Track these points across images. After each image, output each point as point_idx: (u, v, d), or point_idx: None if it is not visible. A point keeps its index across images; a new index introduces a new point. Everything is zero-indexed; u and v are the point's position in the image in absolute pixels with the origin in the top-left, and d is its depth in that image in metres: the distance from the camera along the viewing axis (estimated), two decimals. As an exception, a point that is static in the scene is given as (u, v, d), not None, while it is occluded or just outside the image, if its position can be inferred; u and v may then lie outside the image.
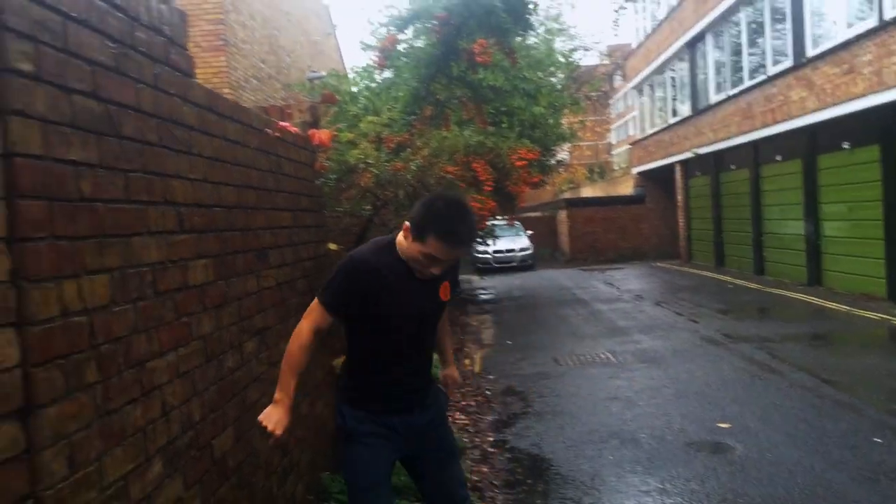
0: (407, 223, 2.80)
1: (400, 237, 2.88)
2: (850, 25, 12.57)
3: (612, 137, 68.91)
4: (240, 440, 3.16)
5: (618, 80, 56.27)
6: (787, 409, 6.42)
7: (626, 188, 33.94)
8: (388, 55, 5.45)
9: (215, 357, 2.92)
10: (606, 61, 34.19)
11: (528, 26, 4.81)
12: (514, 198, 8.09)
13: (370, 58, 16.19)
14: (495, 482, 5.19)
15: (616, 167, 61.62)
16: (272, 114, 4.50)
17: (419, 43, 5.22)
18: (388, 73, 14.47)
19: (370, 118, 5.41)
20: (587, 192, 42.09)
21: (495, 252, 23.98)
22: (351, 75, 16.85)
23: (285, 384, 2.84)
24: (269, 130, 3.78)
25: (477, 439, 6.20)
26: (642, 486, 4.89)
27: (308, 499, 4.20)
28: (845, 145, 13.30)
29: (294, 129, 4.15)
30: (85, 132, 2.01)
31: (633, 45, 29.00)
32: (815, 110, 13.46)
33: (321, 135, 4.56)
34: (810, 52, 13.89)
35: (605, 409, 6.85)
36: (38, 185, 1.78)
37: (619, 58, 47.40)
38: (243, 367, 3.25)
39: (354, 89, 12.96)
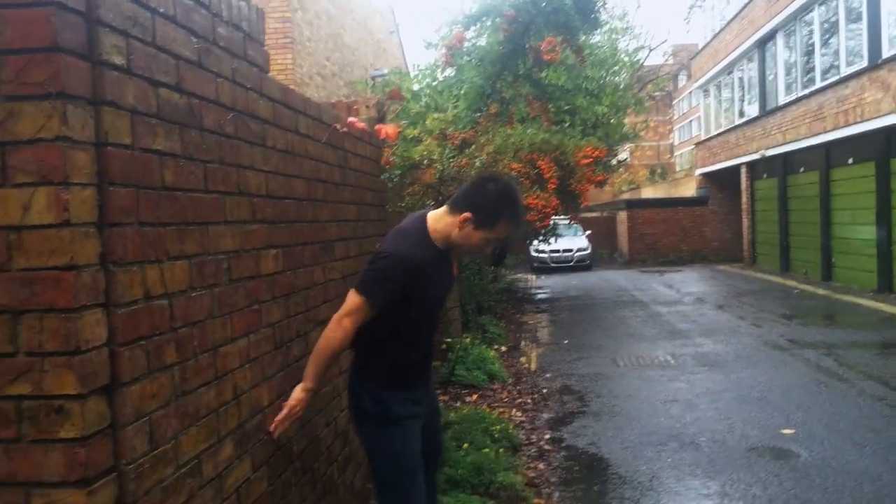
0: (468, 213, 2.84)
1: (443, 223, 2.92)
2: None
3: (675, 138, 67.73)
4: (303, 427, 3.23)
5: (682, 81, 55.44)
6: (855, 417, 6.24)
7: (688, 190, 33.34)
8: (454, 52, 5.49)
9: (283, 345, 3.00)
10: (671, 61, 33.67)
11: (596, 24, 4.79)
12: (577, 196, 8.04)
13: (435, 56, 16.27)
14: (552, 479, 5.19)
15: (678, 168, 60.61)
16: (339, 109, 4.59)
17: (483, 41, 5.23)
18: (450, 72, 14.54)
19: (436, 115, 5.46)
20: (647, 192, 41.48)
21: (552, 252, 23.84)
22: (413, 73, 16.98)
23: (321, 374, 2.89)
24: (337, 125, 3.85)
25: (533, 436, 6.20)
26: (702, 490, 4.82)
27: (367, 487, 4.27)
28: (922, 148, 12.82)
29: (361, 125, 4.22)
30: (169, 123, 2.10)
31: (700, 45, 28.47)
32: (890, 112, 13.00)
33: (387, 129, 4.62)
34: (886, 52, 13.43)
35: (665, 411, 6.77)
36: (126, 173, 1.87)
37: (685, 57, 46.57)
38: (307, 356, 3.32)
39: (416, 87, 13.06)
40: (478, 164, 4.86)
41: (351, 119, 4.15)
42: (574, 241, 24.59)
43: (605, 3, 4.69)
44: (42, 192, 1.65)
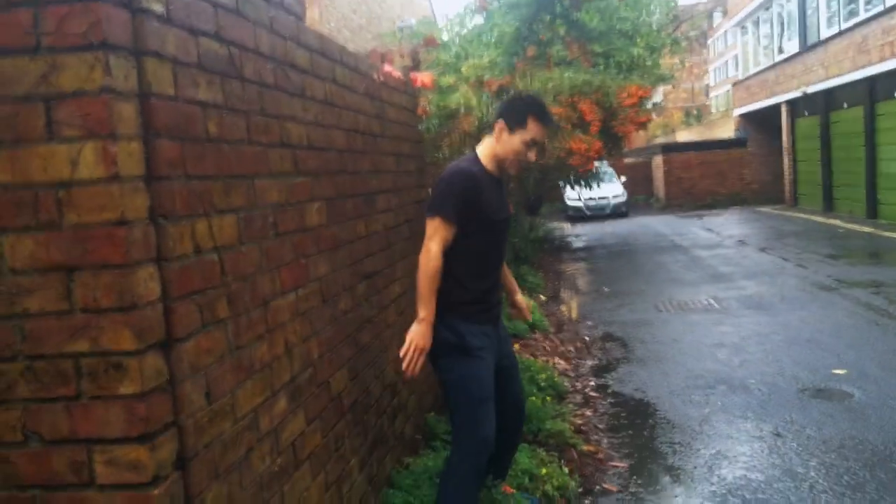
0: (500, 121, 3.15)
1: (486, 145, 3.22)
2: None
3: (711, 79, 66.10)
4: (353, 379, 3.23)
5: (716, 19, 53.79)
6: (909, 356, 6.11)
7: (725, 131, 32.61)
8: (487, -4, 5.34)
9: (330, 298, 2.98)
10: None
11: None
12: (621, 139, 7.86)
13: (465, 3, 15.93)
14: (599, 426, 5.17)
15: (714, 110, 59.27)
16: (373, 58, 4.49)
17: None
18: (479, 18, 14.24)
19: (472, 61, 5.33)
20: (683, 136, 40.66)
21: (588, 199, 23.59)
22: (442, 23, 16.67)
23: (428, 302, 3.01)
24: (374, 74, 3.77)
25: (578, 384, 6.18)
26: (755, 432, 4.77)
27: (416, 438, 4.29)
28: (974, 77, 12.31)
29: (397, 74, 4.13)
30: (210, 73, 2.05)
31: (736, -21, 27.51)
32: (940, 40, 12.48)
33: (423, 77, 4.53)
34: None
35: (711, 355, 6.69)
36: (170, 125, 1.83)
37: (719, -7, 45.09)
38: (355, 310, 3.31)
39: (446, 37, 12.84)
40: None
41: (387, 68, 4.07)
42: (610, 188, 24.21)
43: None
44: (90, 146, 1.62)
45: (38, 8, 1.61)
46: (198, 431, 1.88)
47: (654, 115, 14.20)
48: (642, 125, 9.13)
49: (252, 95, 2.31)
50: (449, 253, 3.05)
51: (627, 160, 30.92)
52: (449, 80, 5.09)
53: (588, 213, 24.21)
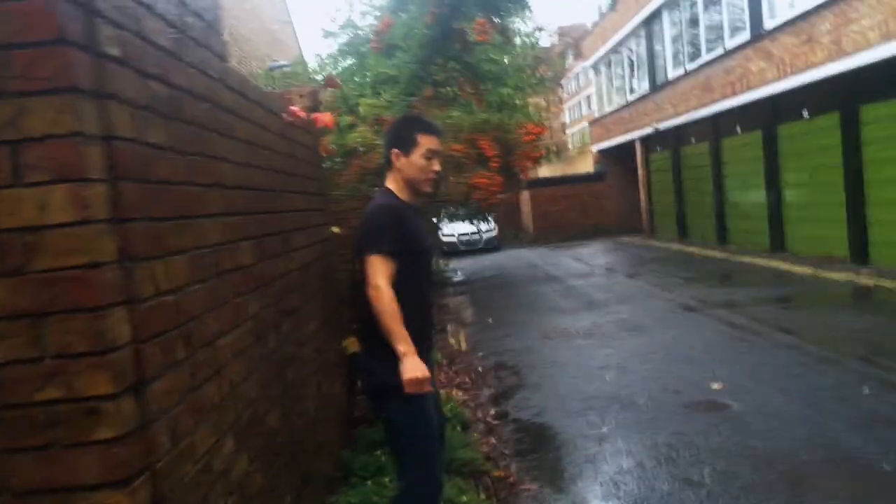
0: (394, 150, 3.23)
1: (393, 177, 3.28)
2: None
3: (566, 117, 69.37)
4: (284, 418, 3.22)
5: (568, 60, 56.66)
6: (775, 367, 6.68)
7: (583, 166, 34.36)
8: (382, 38, 5.48)
9: (262, 337, 2.98)
10: (557, 42, 34.43)
11: (524, 5, 4.89)
12: (517, 174, 8.19)
13: (334, 44, 16.00)
14: (506, 451, 5.33)
15: (571, 146, 62.10)
16: (283, 99, 4.53)
17: (407, 28, 5.24)
18: (350, 60, 14.34)
19: (369, 101, 5.45)
20: (544, 172, 42.40)
21: (461, 235, 24.17)
22: (312, 63, 16.71)
23: (404, 336, 2.96)
24: (284, 115, 3.81)
25: (479, 413, 6.32)
26: (650, 445, 5.06)
27: (336, 476, 4.28)
28: (805, 114, 13.68)
29: (303, 113, 4.18)
30: (158, 115, 2.06)
31: (589, 25, 29.26)
32: (774, 80, 13.81)
33: (324, 118, 4.60)
34: (768, 23, 14.22)
35: (600, 376, 7.03)
36: (131, 167, 1.83)
37: (571, 38, 47.64)
38: (281, 348, 3.31)
39: (320, 77, 12.88)
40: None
41: (293, 108, 4.11)
42: (481, 223, 24.88)
43: (531, -16, 4.81)
44: (59, 190, 1.60)
45: (4, 52, 1.59)
46: (167, 474, 1.85)
47: (543, 152, 14.82)
48: (536, 160, 9.55)
49: (192, 137, 2.32)
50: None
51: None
52: (347, 119, 5.19)
53: (462, 247, 24.74)
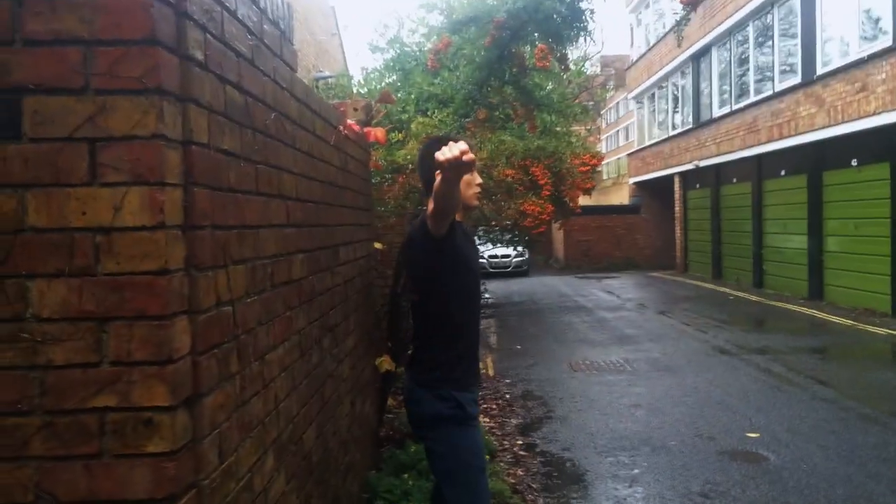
0: (437, 174, 2.76)
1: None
2: (862, 45, 12.71)
3: (603, 147, 69.16)
4: (319, 437, 3.15)
5: (609, 90, 56.53)
6: (814, 420, 6.48)
7: (617, 198, 34.14)
8: (440, 57, 5.46)
9: (306, 352, 2.92)
10: (600, 71, 34.36)
11: (584, 32, 4.85)
12: (568, 203, 8.10)
13: (381, 59, 16.08)
14: (533, 485, 5.21)
15: (605, 176, 61.87)
16: (339, 112, 4.50)
17: (466, 49, 5.22)
18: (396, 77, 14.41)
19: (421, 119, 5.43)
20: (579, 201, 42.25)
21: (491, 257, 24.10)
22: (358, 76, 16.84)
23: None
24: (341, 128, 3.78)
25: (506, 442, 6.21)
26: (683, 492, 4.92)
27: (363, 497, 4.20)
28: (853, 162, 13.44)
29: (357, 127, 4.15)
30: (232, 122, 2.02)
31: (634, 58, 29.17)
32: (823, 127, 13.61)
33: (377, 133, 4.55)
34: (820, 69, 14.03)
35: (631, 415, 6.88)
36: (205, 173, 1.79)
37: (614, 68, 47.57)
38: (322, 363, 3.25)
39: (364, 91, 12.94)
40: (473, 169, 4.86)
41: (349, 121, 4.08)
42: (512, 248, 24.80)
43: (593, 13, 4.77)
44: (135, 192, 1.56)
45: (90, 47, 1.56)
46: (212, 493, 1.79)
47: (596, 183, 14.72)
48: (587, 191, 9.46)
49: (260, 145, 2.28)
50: (435, 315, 3.09)
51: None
52: (397, 135, 5.16)
53: (491, 269, 24.63)
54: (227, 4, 1.98)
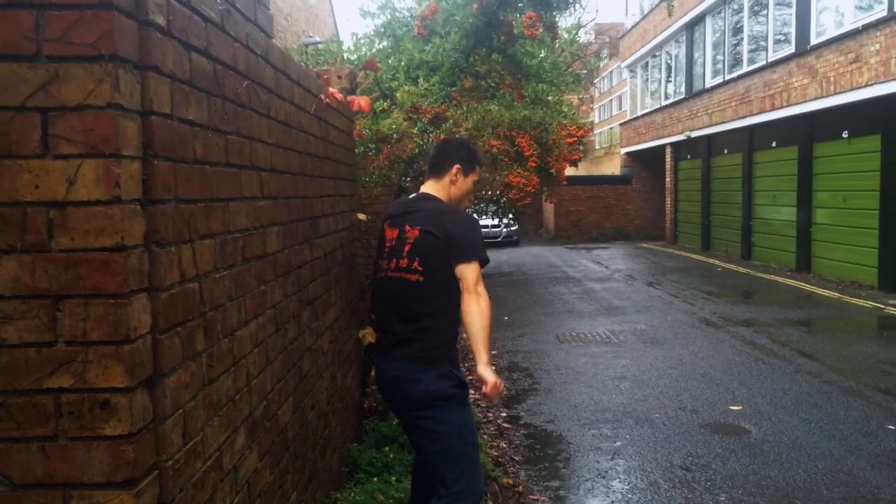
0: (457, 165, 3.34)
1: (442, 189, 3.36)
2: (857, 14, 12.58)
3: (595, 116, 68.83)
4: (296, 411, 3.12)
5: (603, 59, 56.10)
6: (797, 393, 6.50)
7: (608, 168, 34.04)
8: (427, 25, 5.34)
9: (282, 326, 2.87)
10: (593, 39, 34.02)
11: (572, 1, 4.73)
12: (554, 175, 8.01)
13: (372, 24, 15.82)
14: (516, 457, 5.21)
15: (597, 146, 61.65)
16: (322, 80, 4.40)
17: (457, 15, 5.10)
18: (386, 42, 14.19)
19: (407, 88, 5.32)
20: (569, 171, 42.08)
21: (481, 227, 24.04)
22: (348, 42, 16.59)
23: (488, 345, 3.04)
24: (322, 97, 3.69)
25: (490, 414, 6.21)
26: (665, 465, 4.93)
27: (342, 470, 4.18)
28: (844, 134, 13.39)
29: (340, 96, 4.06)
30: (199, 91, 1.94)
31: (628, 25, 28.88)
32: (815, 98, 13.52)
33: (360, 101, 4.46)
34: (814, 39, 13.91)
35: (616, 387, 6.89)
36: (166, 145, 1.72)
37: (608, 36, 47.15)
38: (300, 338, 3.20)
39: (354, 57, 12.74)
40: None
41: (332, 90, 3.99)
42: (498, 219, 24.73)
43: (583, -19, 4.66)
44: (90, 165, 1.49)
45: (42, 12, 1.47)
46: (175, 474, 1.74)
47: (583, 154, 14.61)
48: (574, 162, 9.37)
49: (230, 115, 2.20)
50: (447, 295, 3.11)
51: (519, 190, 31.65)
52: (383, 104, 5.06)
53: (481, 239, 24.59)
54: (193, -33, 1.89)
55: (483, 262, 3.10)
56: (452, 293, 3.10)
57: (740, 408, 6.15)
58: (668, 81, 24.22)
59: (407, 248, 3.20)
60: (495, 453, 5.25)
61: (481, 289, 3.02)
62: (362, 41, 15.34)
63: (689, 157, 22.61)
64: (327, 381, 3.82)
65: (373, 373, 5.56)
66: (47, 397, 1.53)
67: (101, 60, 1.48)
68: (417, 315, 3.13)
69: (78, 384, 1.52)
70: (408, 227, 3.24)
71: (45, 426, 1.53)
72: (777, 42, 15.83)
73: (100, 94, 1.48)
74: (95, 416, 1.53)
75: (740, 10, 17.88)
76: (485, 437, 5.55)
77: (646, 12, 25.57)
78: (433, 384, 3.04)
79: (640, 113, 27.35)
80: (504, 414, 6.22)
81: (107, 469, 1.54)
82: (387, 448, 4.50)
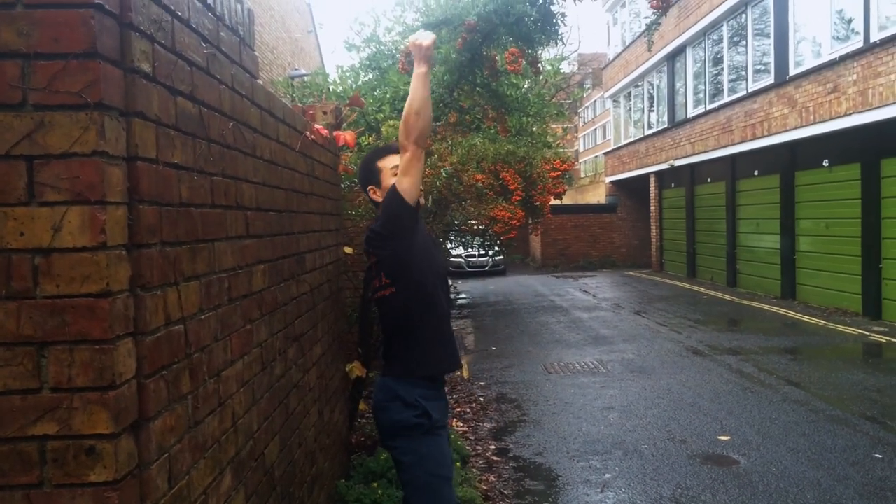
0: (369, 188, 3.40)
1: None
2: (834, 45, 12.82)
3: (580, 145, 69.42)
4: (283, 450, 3.10)
5: (587, 89, 56.80)
6: (784, 422, 6.52)
7: (594, 196, 34.24)
8: (411, 59, 5.38)
9: (268, 364, 2.86)
10: (575, 69, 34.43)
11: (554, 36, 4.81)
12: (540, 208, 8.06)
13: (357, 58, 15.97)
14: (505, 491, 5.18)
15: (583, 174, 62.11)
16: (307, 116, 4.44)
17: (442, 50, 5.16)
18: (373, 75, 14.26)
19: (392, 122, 5.37)
20: (553, 200, 42.32)
21: (468, 256, 24.12)
22: (333, 75, 16.70)
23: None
24: (307, 133, 3.72)
25: (479, 447, 6.18)
26: (655, 497, 4.91)
27: (330, 507, 4.14)
28: (825, 163, 13.57)
29: (325, 132, 4.09)
30: (184, 135, 1.96)
31: (610, 57, 29.28)
32: (796, 127, 13.72)
33: (346, 136, 4.50)
34: (793, 70, 14.15)
35: (604, 418, 6.88)
36: (151, 189, 1.73)
37: (590, 66, 47.69)
38: (286, 375, 3.19)
39: (340, 89, 12.82)
40: (444, 174, 4.81)
41: (317, 126, 4.02)
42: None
43: (564, 17, 4.73)
44: (75, 212, 1.50)
45: (28, 61, 1.49)
46: (160, 519, 1.73)
47: (567, 187, 14.75)
48: (558, 196, 9.45)
49: (216, 156, 2.22)
50: (418, 304, 3.10)
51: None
52: (368, 138, 5.10)
53: (468, 268, 24.68)
54: (179, 13, 1.92)
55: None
56: (423, 300, 3.10)
57: (728, 438, 6.16)
58: (650, 111, 24.51)
59: (375, 266, 3.23)
60: (484, 487, 5.22)
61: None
62: (348, 73, 15.46)
63: (673, 185, 22.82)
64: (314, 418, 3.80)
65: (361, 406, 5.54)
66: (32, 445, 1.52)
67: (86, 109, 1.50)
68: (395, 329, 3.13)
69: (63, 431, 1.52)
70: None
71: (29, 474, 1.52)
72: (757, 72, 16.09)
73: (85, 142, 1.50)
74: (80, 462, 1.52)
75: (720, 41, 18.18)
76: (473, 470, 5.52)
77: (627, 44, 25.94)
78: (398, 413, 3.02)
79: (623, 142, 27.63)
80: (493, 447, 6.19)
81: (91, 516, 1.53)
82: (375, 483, 4.47)
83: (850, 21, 12.53)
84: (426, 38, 3.01)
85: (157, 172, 1.76)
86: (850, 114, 11.83)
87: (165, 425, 1.79)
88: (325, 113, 4.83)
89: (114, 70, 1.56)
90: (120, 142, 1.59)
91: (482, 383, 8.60)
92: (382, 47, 14.93)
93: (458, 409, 7.36)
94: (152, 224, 1.72)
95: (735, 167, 17.72)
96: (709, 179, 19.63)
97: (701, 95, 19.53)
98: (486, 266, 24.97)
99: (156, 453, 1.72)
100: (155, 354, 1.73)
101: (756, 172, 16.62)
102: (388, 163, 3.34)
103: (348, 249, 5.13)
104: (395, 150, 3.34)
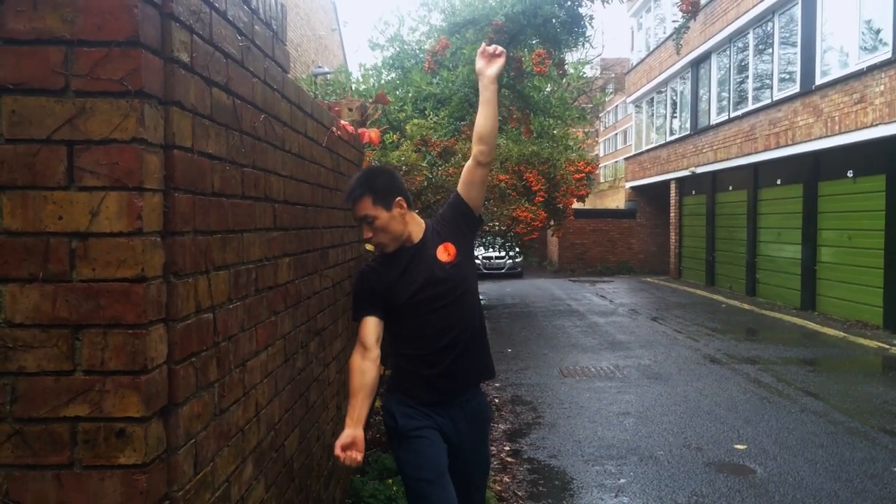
0: (399, 199, 3.03)
1: (395, 218, 3.05)
2: (862, 55, 12.70)
3: (601, 150, 69.17)
4: (302, 442, 3.12)
5: (608, 93, 56.58)
6: (802, 433, 6.46)
7: (613, 201, 34.17)
8: (437, 59, 5.41)
9: (291, 357, 2.89)
10: (599, 74, 34.32)
11: (582, 38, 4.80)
12: (562, 210, 8.05)
13: (380, 56, 16.02)
14: (519, 493, 5.18)
15: (602, 179, 61.92)
16: (333, 112, 4.47)
17: (466, 51, 5.17)
18: (395, 74, 14.31)
19: (416, 121, 5.38)
20: (574, 204, 42.20)
21: (485, 258, 24.14)
22: (356, 73, 16.77)
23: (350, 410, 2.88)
24: (333, 129, 3.74)
25: (493, 448, 6.17)
26: (669, 503, 4.90)
27: (346, 502, 4.16)
28: (849, 173, 13.44)
29: (351, 129, 4.11)
30: (218, 125, 1.98)
31: (634, 62, 29.14)
32: (820, 137, 13.59)
33: (371, 134, 4.53)
34: (819, 79, 14.02)
35: (619, 423, 6.86)
36: (186, 178, 1.75)
37: (613, 71, 47.49)
38: (307, 368, 3.22)
39: (362, 88, 12.86)
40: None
41: (343, 122, 4.05)
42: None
43: (592, 19, 4.72)
44: (113, 197, 1.52)
45: (71, 48, 1.52)
46: (186, 504, 1.75)
47: (590, 189, 14.73)
48: (581, 198, 9.42)
49: (247, 148, 2.24)
50: (396, 330, 3.06)
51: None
52: (392, 136, 5.12)
53: (485, 270, 24.68)
54: (216, 5, 1.94)
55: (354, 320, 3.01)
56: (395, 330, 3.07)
57: (745, 447, 6.12)
58: (673, 117, 24.37)
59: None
60: (499, 488, 5.22)
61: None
62: (370, 72, 15.51)
63: (693, 192, 22.68)
64: (332, 412, 3.83)
65: (377, 404, 5.56)
66: (64, 426, 1.55)
67: (127, 96, 1.52)
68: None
69: (94, 413, 1.54)
70: None
71: (60, 454, 1.55)
72: (782, 81, 15.96)
73: (125, 129, 1.52)
74: (111, 445, 1.54)
75: (745, 49, 18.05)
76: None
77: (651, 49, 25.81)
78: (386, 419, 3.13)
79: (644, 148, 27.49)
80: (507, 448, 6.19)
81: (120, 498, 1.55)
82: (390, 480, 4.48)
83: (878, 31, 12.41)
84: (500, 52, 3.11)
85: (192, 161, 1.78)
86: (877, 124, 11.70)
87: (193, 412, 1.81)
88: (350, 110, 4.87)
89: (154, 59, 1.59)
90: (158, 130, 1.61)
91: (497, 385, 8.59)
92: (406, 47, 14.96)
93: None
94: (186, 212, 1.75)
95: (758, 176, 17.59)
96: (730, 187, 19.50)
97: (725, 103, 19.40)
98: (503, 268, 24.97)
99: (183, 439, 1.75)
100: (185, 341, 1.75)
101: (779, 181, 16.49)
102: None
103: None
104: (347, 199, 3.07)
